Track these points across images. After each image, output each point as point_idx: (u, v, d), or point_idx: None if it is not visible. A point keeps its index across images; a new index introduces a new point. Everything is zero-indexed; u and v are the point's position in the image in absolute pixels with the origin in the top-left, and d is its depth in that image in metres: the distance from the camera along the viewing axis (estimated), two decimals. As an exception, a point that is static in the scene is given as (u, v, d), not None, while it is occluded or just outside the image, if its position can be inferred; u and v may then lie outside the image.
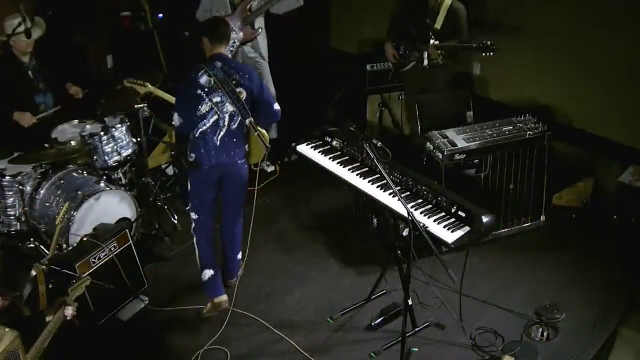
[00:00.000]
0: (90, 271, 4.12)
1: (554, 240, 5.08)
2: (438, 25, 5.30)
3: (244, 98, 4.10)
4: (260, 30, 5.81)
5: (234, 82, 4.07)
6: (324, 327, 4.32)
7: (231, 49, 5.80)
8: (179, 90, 4.20)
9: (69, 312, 3.39)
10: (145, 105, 5.11)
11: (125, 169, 5.23)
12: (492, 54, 5.00)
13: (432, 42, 5.28)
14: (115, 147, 5.08)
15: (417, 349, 4.08)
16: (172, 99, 4.79)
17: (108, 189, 4.74)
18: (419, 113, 5.57)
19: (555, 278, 4.68)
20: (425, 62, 5.40)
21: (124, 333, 4.30)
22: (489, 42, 4.98)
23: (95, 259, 4.19)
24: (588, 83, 5.55)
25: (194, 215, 4.31)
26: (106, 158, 5.04)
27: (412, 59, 5.50)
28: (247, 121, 4.09)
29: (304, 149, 4.63)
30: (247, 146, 4.27)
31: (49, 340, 3.23)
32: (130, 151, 5.19)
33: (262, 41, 5.91)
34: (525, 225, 5.14)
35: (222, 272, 4.50)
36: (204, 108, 4.05)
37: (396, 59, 5.61)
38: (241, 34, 5.70)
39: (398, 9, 5.72)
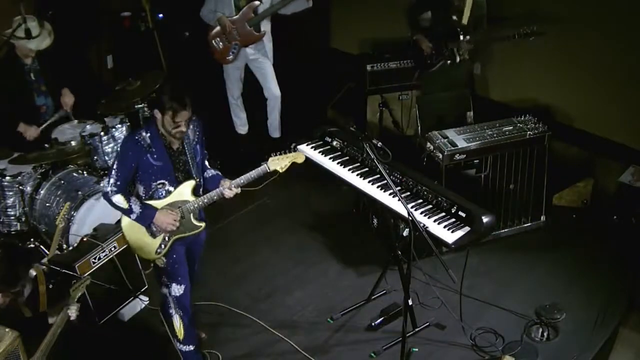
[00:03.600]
0: (90, 271, 4.13)
1: (554, 240, 5.07)
2: (465, 20, 5.30)
3: None
4: (265, 33, 5.81)
5: None
6: (324, 327, 4.32)
7: (233, 51, 5.81)
8: None
9: (73, 312, 3.35)
10: (145, 105, 5.11)
11: (125, 168, 5.22)
12: (532, 38, 4.95)
13: (462, 37, 5.28)
14: (115, 147, 5.08)
15: (417, 349, 4.08)
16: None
17: (108, 189, 4.73)
18: (419, 113, 5.57)
19: (555, 278, 4.68)
20: (458, 59, 5.39)
21: (124, 333, 4.30)
22: (534, 27, 4.94)
23: (95, 259, 4.19)
24: (588, 83, 5.54)
25: None
26: (106, 158, 5.04)
27: (440, 57, 5.46)
28: None
29: (304, 149, 4.63)
30: None
31: (53, 341, 3.22)
32: (130, 151, 5.19)
33: (268, 43, 5.93)
34: (525, 225, 5.14)
35: None
36: None
37: (429, 49, 5.51)
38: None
39: (413, 5, 5.67)
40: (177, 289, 3.74)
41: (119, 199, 3.55)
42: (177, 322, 3.81)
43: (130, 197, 3.57)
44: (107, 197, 3.58)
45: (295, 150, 3.78)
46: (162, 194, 3.61)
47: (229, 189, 3.64)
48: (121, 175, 3.54)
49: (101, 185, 3.62)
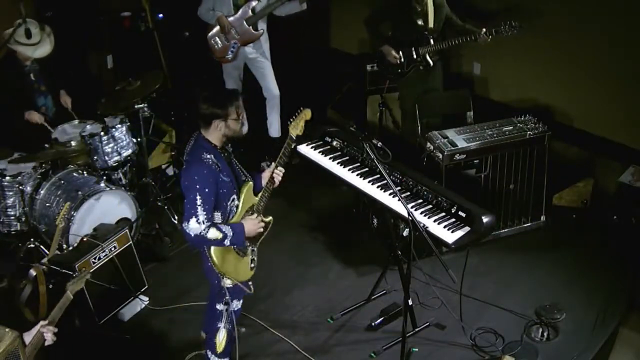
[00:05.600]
0: (90, 271, 4.12)
1: (554, 240, 5.08)
2: (431, 24, 5.30)
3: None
4: (262, 32, 5.82)
5: None
6: (324, 327, 4.32)
7: (232, 50, 5.81)
8: None
9: (49, 336, 3.20)
10: (145, 105, 5.11)
11: (125, 169, 5.23)
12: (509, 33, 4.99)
13: (432, 42, 5.29)
14: (115, 147, 5.09)
15: (417, 349, 4.08)
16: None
17: (108, 189, 4.74)
18: (419, 113, 5.57)
19: (555, 278, 4.68)
20: (431, 63, 5.38)
21: (124, 333, 4.29)
22: (512, 22, 4.96)
23: (95, 259, 4.19)
24: (588, 83, 5.55)
25: None
26: (106, 158, 5.04)
27: (412, 64, 5.43)
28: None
29: (304, 149, 4.63)
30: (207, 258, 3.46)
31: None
32: (130, 151, 5.20)
33: (265, 43, 5.93)
34: (525, 225, 5.14)
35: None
36: None
37: (397, 59, 5.47)
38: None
39: (374, 16, 5.60)
40: (236, 304, 3.67)
41: (213, 233, 3.28)
42: (221, 336, 3.66)
43: (217, 224, 3.34)
44: (199, 238, 3.25)
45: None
46: (234, 211, 3.50)
47: (276, 172, 3.58)
48: (209, 207, 3.28)
49: (188, 230, 3.24)
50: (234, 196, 3.48)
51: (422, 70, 5.43)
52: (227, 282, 3.48)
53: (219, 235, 3.30)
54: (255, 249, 3.66)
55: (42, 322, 3.22)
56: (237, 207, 3.51)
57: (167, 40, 6.65)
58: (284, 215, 5.45)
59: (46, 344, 3.23)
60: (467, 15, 5.49)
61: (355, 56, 6.88)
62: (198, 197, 3.24)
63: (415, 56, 5.38)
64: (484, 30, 5.06)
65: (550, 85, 5.81)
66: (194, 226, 3.23)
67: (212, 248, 3.38)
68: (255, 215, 3.56)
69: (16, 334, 2.98)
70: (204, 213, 3.25)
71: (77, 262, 4.08)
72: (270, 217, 3.70)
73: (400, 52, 5.41)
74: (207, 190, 3.27)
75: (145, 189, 5.34)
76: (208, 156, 3.33)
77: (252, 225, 3.51)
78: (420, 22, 5.30)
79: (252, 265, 3.64)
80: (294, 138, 3.60)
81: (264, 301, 4.54)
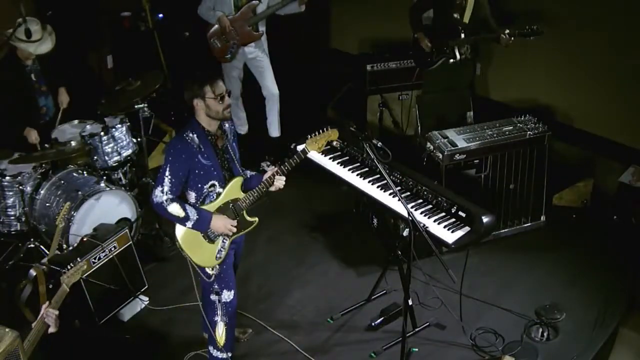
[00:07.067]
0: (90, 271, 4.13)
1: (554, 240, 5.07)
2: (466, 19, 5.30)
3: None
4: (262, 33, 5.82)
5: None
6: (324, 327, 4.32)
7: (231, 49, 5.82)
8: None
9: (51, 320, 3.21)
10: (146, 105, 5.11)
11: (125, 169, 5.23)
12: (532, 37, 4.97)
13: (462, 36, 5.30)
14: (115, 147, 5.09)
15: (417, 349, 4.09)
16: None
17: (108, 189, 4.74)
18: (419, 113, 5.57)
19: (555, 278, 4.68)
20: (458, 57, 5.38)
21: (124, 333, 4.30)
22: (534, 27, 4.95)
23: (95, 259, 4.19)
24: (588, 83, 5.55)
25: None
26: (106, 158, 5.04)
27: (441, 55, 5.45)
28: None
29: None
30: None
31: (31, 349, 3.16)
32: (130, 151, 5.20)
33: (265, 42, 5.94)
34: (525, 225, 5.14)
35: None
36: None
37: (428, 47, 5.48)
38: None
39: (416, 4, 5.66)
40: (227, 295, 3.67)
41: (174, 208, 3.39)
42: (221, 330, 3.72)
43: (184, 203, 3.44)
44: (160, 207, 3.40)
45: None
46: (213, 197, 3.52)
47: (275, 176, 3.54)
48: (175, 181, 3.39)
49: (153, 196, 3.39)
50: (215, 182, 3.51)
51: (451, 65, 5.43)
52: (210, 271, 3.60)
53: (181, 214, 3.41)
54: (228, 241, 3.60)
55: (45, 305, 3.23)
56: (217, 194, 3.54)
57: (167, 40, 6.65)
58: (284, 215, 5.47)
59: (50, 330, 3.23)
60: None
61: (355, 56, 6.88)
62: (167, 169, 3.39)
63: (444, 48, 5.38)
64: (507, 31, 5.05)
65: (550, 85, 5.81)
66: (158, 194, 3.39)
67: (177, 225, 3.50)
68: (232, 214, 3.54)
69: (16, 334, 2.98)
70: (169, 185, 3.38)
71: (77, 262, 4.08)
72: (256, 218, 3.67)
73: (431, 42, 5.45)
74: (177, 164, 3.39)
75: (145, 189, 5.34)
76: (191, 135, 3.44)
77: (222, 223, 3.51)
78: (456, 16, 5.30)
79: (219, 255, 3.59)
80: (308, 152, 3.60)
81: (264, 301, 4.54)
